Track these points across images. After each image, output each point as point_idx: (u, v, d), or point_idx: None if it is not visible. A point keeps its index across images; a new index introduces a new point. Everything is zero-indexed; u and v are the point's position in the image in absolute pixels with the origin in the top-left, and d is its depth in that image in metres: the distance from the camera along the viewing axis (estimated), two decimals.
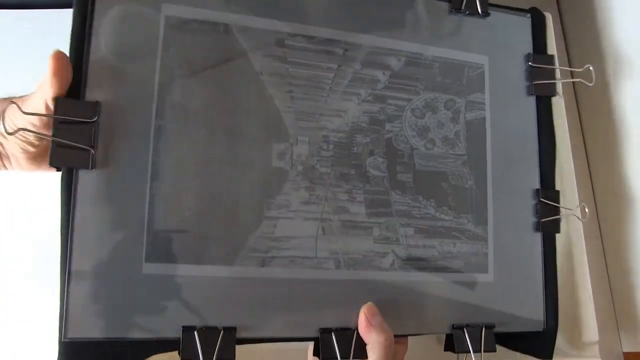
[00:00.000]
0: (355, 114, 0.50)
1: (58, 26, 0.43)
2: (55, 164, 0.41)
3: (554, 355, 0.51)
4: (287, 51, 0.48)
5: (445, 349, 0.50)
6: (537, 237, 0.53)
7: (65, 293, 0.41)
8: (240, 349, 0.44)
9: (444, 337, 0.51)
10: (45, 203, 0.52)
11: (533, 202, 0.54)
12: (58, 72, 0.41)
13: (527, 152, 0.55)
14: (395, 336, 0.47)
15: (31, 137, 0.44)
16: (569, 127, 0.56)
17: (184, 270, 0.43)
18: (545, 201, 0.53)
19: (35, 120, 0.42)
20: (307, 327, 0.46)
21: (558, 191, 0.54)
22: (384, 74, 0.51)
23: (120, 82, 0.44)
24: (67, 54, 0.42)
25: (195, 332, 0.42)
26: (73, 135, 0.42)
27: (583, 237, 0.55)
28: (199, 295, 0.44)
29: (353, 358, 0.45)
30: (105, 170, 0.43)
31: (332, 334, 0.45)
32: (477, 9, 0.54)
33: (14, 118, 0.42)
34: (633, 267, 0.61)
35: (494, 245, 0.52)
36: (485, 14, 0.55)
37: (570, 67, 0.56)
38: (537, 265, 0.53)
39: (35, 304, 0.52)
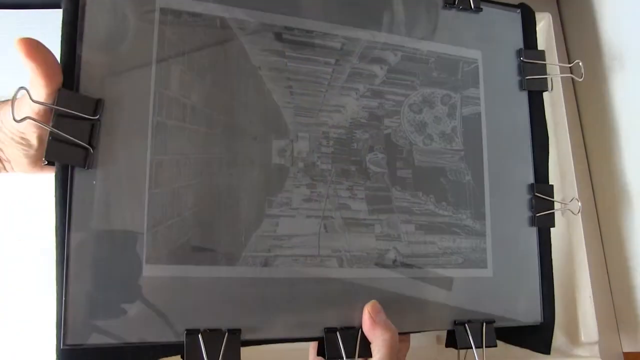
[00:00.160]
0: (354, 109, 0.49)
1: (57, 26, 0.41)
2: (50, 158, 0.39)
3: (554, 355, 0.52)
4: (285, 45, 0.47)
5: (447, 345, 0.50)
6: (533, 232, 0.54)
7: (63, 298, 0.39)
8: (243, 351, 0.43)
9: (443, 335, 0.50)
10: (45, 203, 0.49)
11: (528, 196, 0.54)
12: (46, 75, 0.39)
13: (521, 147, 0.55)
14: (400, 334, 0.47)
15: (31, 139, 0.42)
16: (568, 124, 0.57)
17: (185, 272, 0.42)
18: (540, 195, 0.54)
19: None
20: (311, 327, 0.45)
21: (552, 185, 0.55)
22: (381, 68, 0.50)
23: (115, 77, 0.42)
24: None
25: (199, 335, 0.41)
26: (71, 130, 0.40)
27: (583, 237, 0.55)
28: (202, 297, 0.42)
29: (358, 357, 0.45)
30: (102, 171, 0.41)
31: (337, 333, 0.45)
32: (469, 4, 0.54)
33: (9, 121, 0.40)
34: (633, 267, 0.62)
35: (492, 240, 0.52)
36: (478, 9, 0.55)
37: (566, 63, 0.56)
38: (533, 259, 0.53)
39: (36, 304, 0.52)
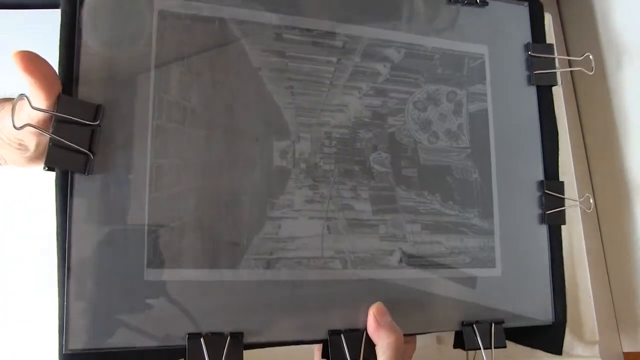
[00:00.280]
0: (357, 108, 0.48)
1: (57, 26, 0.41)
2: (50, 164, 0.39)
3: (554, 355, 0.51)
4: (285, 45, 0.47)
5: (455, 346, 0.49)
6: (543, 229, 0.53)
7: (65, 303, 0.39)
8: (245, 353, 0.43)
9: (443, 335, 0.50)
10: (45, 203, 0.50)
11: (538, 194, 0.53)
12: (45, 87, 0.38)
13: (530, 143, 0.54)
14: (405, 335, 0.46)
15: (29, 145, 0.42)
16: (567, 120, 0.56)
17: (186, 276, 0.42)
18: (550, 193, 0.53)
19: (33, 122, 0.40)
20: (315, 330, 0.44)
21: (562, 182, 0.54)
22: (384, 66, 0.50)
23: (114, 81, 0.42)
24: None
25: (202, 339, 0.41)
26: (71, 136, 0.40)
27: (583, 237, 0.54)
28: (204, 301, 0.42)
29: (363, 359, 0.44)
30: (102, 176, 0.41)
31: (342, 335, 0.44)
32: None
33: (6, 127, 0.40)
34: (633, 266, 0.61)
35: (500, 238, 0.51)
36: (484, 3, 0.54)
37: (569, 57, 0.55)
38: (543, 257, 0.52)
39: (36, 304, 0.52)
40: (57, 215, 0.40)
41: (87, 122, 0.40)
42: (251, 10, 0.46)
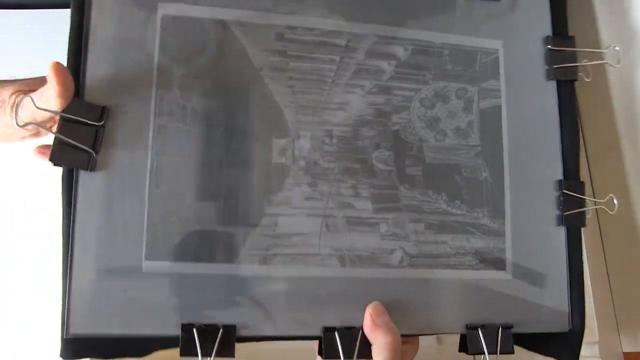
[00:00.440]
0: (360, 106, 0.48)
1: (57, 26, 0.43)
2: (55, 161, 0.42)
3: None
4: (286, 45, 0.48)
5: (460, 350, 0.48)
6: (561, 232, 0.50)
7: (67, 291, 0.42)
8: (246, 349, 0.44)
9: (443, 336, 0.48)
10: (45, 203, 0.53)
11: (556, 194, 0.50)
12: (63, 93, 0.41)
13: (548, 140, 0.51)
14: (405, 336, 0.46)
15: (26, 135, 0.45)
16: None
17: (183, 268, 0.43)
18: (569, 193, 0.50)
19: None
20: (310, 326, 0.45)
21: (583, 182, 0.51)
22: (389, 64, 0.49)
23: (119, 83, 0.44)
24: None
25: (194, 330, 0.42)
26: (77, 136, 0.42)
27: (583, 237, 0.51)
28: (199, 293, 0.43)
29: (357, 358, 0.44)
30: (105, 172, 0.43)
31: (336, 332, 0.44)
32: None
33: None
34: (633, 266, 0.58)
35: (512, 240, 0.49)
36: None
37: (591, 49, 0.52)
38: (561, 261, 0.50)
39: (36, 304, 0.53)
40: (63, 207, 0.42)
41: (92, 123, 0.43)
42: (253, 11, 0.47)
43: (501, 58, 0.51)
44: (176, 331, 0.42)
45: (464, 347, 0.47)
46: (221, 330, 0.43)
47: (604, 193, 0.50)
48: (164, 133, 0.44)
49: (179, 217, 0.44)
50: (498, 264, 0.49)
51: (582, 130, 0.64)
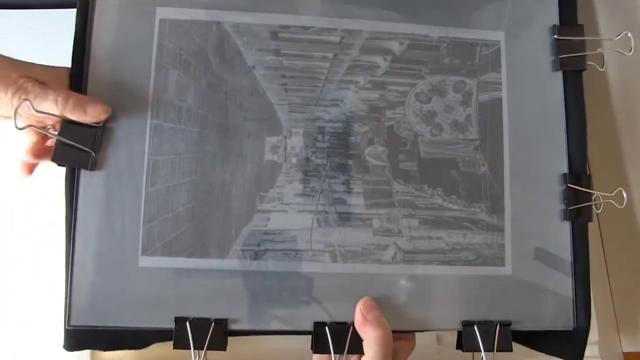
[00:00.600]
0: (353, 102, 0.48)
1: (58, 26, 0.45)
2: (57, 161, 0.45)
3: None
4: (280, 44, 0.48)
5: (457, 347, 0.47)
6: (566, 227, 0.48)
7: (69, 284, 0.44)
8: (246, 350, 0.45)
9: (443, 335, 0.48)
10: (45, 203, 0.54)
11: (560, 188, 0.49)
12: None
13: (553, 133, 0.49)
14: (398, 331, 0.46)
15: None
16: None
17: (177, 263, 0.45)
18: (574, 187, 0.48)
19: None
20: (301, 321, 0.45)
21: (589, 176, 0.49)
22: (384, 59, 0.49)
23: (118, 85, 0.46)
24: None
25: (187, 323, 0.44)
26: (77, 137, 0.45)
27: None
28: (192, 288, 0.45)
29: (348, 353, 0.44)
30: (105, 171, 0.45)
31: (327, 328, 0.45)
32: None
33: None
34: (633, 266, 0.56)
35: (512, 235, 0.48)
36: None
37: (599, 37, 0.50)
38: (565, 257, 0.48)
39: (35, 303, 0.53)
40: (65, 204, 0.45)
41: (93, 125, 0.45)
42: (247, 12, 0.48)
43: (503, 50, 0.50)
44: (171, 324, 0.44)
45: (460, 344, 0.47)
46: (213, 324, 0.44)
47: (603, 191, 0.48)
48: (160, 133, 0.46)
49: (173, 214, 0.45)
50: (497, 259, 0.47)
51: None
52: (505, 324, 0.46)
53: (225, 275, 0.45)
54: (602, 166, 0.60)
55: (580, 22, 0.51)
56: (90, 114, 0.44)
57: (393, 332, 0.43)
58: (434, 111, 0.49)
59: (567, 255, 0.48)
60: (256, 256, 0.46)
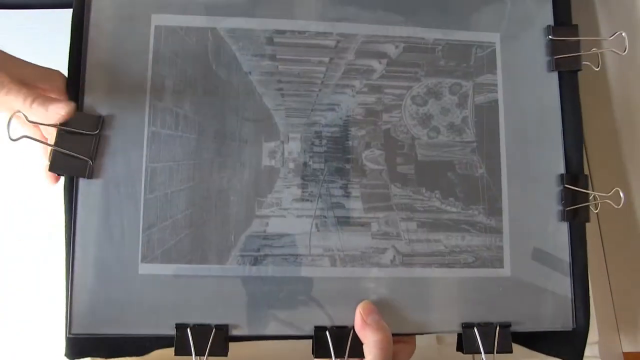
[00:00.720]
0: (350, 106, 0.49)
1: (58, 26, 0.44)
2: (54, 171, 0.45)
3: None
4: (276, 49, 0.48)
5: (458, 349, 0.47)
6: (563, 227, 0.49)
7: (70, 292, 0.44)
8: (246, 352, 0.45)
9: (443, 335, 0.48)
10: (45, 203, 0.54)
11: (558, 188, 0.49)
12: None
13: (549, 134, 0.50)
14: (398, 335, 0.46)
15: None
16: None
17: (177, 270, 0.45)
18: (571, 187, 0.48)
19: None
20: (301, 325, 0.45)
21: (587, 176, 0.49)
22: (380, 62, 0.49)
23: (115, 92, 0.46)
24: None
25: (188, 330, 0.44)
26: (74, 146, 0.45)
27: None
28: (192, 294, 0.45)
29: (349, 357, 0.44)
30: (103, 179, 0.45)
31: (327, 332, 0.45)
32: None
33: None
34: (633, 266, 0.56)
35: (510, 237, 0.48)
36: None
37: (595, 37, 0.50)
38: (563, 257, 0.48)
39: (36, 304, 0.54)
40: (65, 213, 0.45)
41: (88, 132, 0.45)
42: (242, 18, 0.48)
43: (498, 51, 0.50)
44: (171, 331, 0.44)
45: (460, 346, 0.47)
46: (214, 330, 0.44)
47: (603, 191, 0.48)
48: (157, 140, 0.46)
49: (172, 221, 0.45)
50: (495, 261, 0.48)
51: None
52: (505, 326, 0.46)
53: (224, 281, 0.45)
54: (602, 166, 0.61)
55: (577, 22, 0.51)
56: (51, 111, 0.43)
57: (393, 335, 0.44)
58: (431, 114, 0.49)
59: (565, 255, 0.48)
60: (255, 261, 0.46)
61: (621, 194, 0.48)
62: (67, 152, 0.44)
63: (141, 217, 0.45)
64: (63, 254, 0.45)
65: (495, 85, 0.50)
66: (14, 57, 0.44)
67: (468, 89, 0.50)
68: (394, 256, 0.47)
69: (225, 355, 0.44)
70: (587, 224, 0.49)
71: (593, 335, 0.49)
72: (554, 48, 0.50)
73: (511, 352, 0.46)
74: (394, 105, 0.49)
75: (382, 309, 0.45)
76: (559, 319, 0.47)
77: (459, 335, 0.47)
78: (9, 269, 0.55)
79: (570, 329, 0.47)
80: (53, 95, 0.45)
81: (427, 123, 0.49)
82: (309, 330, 0.45)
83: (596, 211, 0.49)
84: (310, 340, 0.45)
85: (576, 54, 0.50)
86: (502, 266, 0.48)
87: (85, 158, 0.45)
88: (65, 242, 0.45)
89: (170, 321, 0.44)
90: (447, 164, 0.49)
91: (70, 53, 0.46)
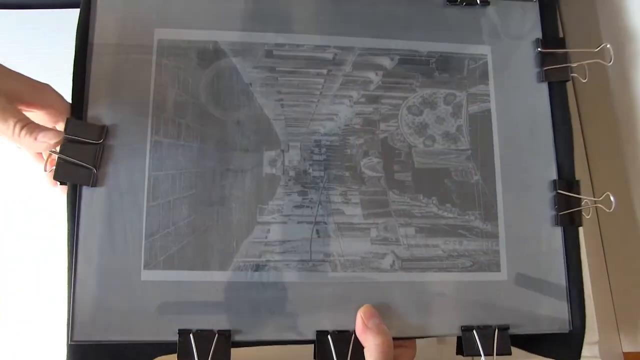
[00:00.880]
0: (348, 116, 0.50)
1: (58, 26, 0.45)
2: (59, 179, 0.45)
3: None
4: (275, 61, 0.50)
5: (458, 352, 0.48)
6: (557, 232, 0.50)
7: (72, 300, 0.44)
8: (248, 356, 0.45)
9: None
10: (45, 203, 0.54)
11: (551, 194, 0.50)
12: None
13: (541, 141, 0.51)
14: (400, 339, 0.46)
15: None
16: None
17: (180, 276, 0.46)
18: (563, 192, 0.50)
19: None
20: (303, 330, 0.46)
21: (578, 181, 0.50)
22: (376, 74, 0.51)
23: (119, 103, 0.47)
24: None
25: (191, 335, 0.44)
26: (78, 155, 0.46)
27: (583, 236, 0.51)
28: (195, 300, 0.45)
29: None
30: (106, 187, 0.46)
31: (329, 336, 0.45)
32: None
33: None
34: (633, 266, 0.57)
35: (506, 241, 0.49)
36: (485, 3, 0.53)
37: (581, 49, 0.52)
38: (558, 261, 0.49)
39: (35, 304, 0.54)
40: (67, 220, 0.46)
41: (92, 142, 0.46)
42: (243, 31, 0.50)
43: (490, 63, 0.52)
44: (174, 337, 0.44)
45: (460, 349, 0.47)
46: (216, 336, 0.44)
47: (604, 192, 0.49)
48: (160, 149, 0.47)
49: (175, 228, 0.46)
50: (492, 265, 0.49)
51: (582, 130, 0.64)
52: (503, 328, 0.47)
53: (226, 287, 0.46)
54: (603, 167, 0.62)
55: (582, 31, 0.53)
56: (40, 140, 0.43)
57: (394, 339, 0.44)
58: (426, 123, 0.51)
59: (560, 259, 0.49)
60: (257, 267, 0.46)
61: (612, 199, 0.49)
62: (72, 160, 0.45)
63: (144, 224, 0.46)
64: (63, 254, 0.45)
65: (488, 95, 0.51)
66: (5, 69, 0.44)
67: (462, 99, 0.51)
68: (393, 261, 0.48)
69: None
70: (587, 225, 0.50)
71: (593, 335, 0.50)
72: (542, 60, 0.52)
73: (510, 354, 0.46)
74: (390, 115, 0.50)
75: (382, 313, 0.46)
76: (556, 322, 0.48)
77: (458, 338, 0.48)
78: (9, 269, 0.55)
79: (567, 332, 0.48)
80: (43, 113, 0.46)
81: (423, 132, 0.50)
82: (310, 334, 0.46)
83: (588, 216, 0.50)
84: (312, 345, 0.46)
85: (564, 65, 0.52)
86: (499, 270, 0.49)
87: (89, 166, 0.45)
88: (68, 248, 0.45)
89: (173, 327, 0.45)
90: (443, 171, 0.50)
91: (75, 64, 0.48)
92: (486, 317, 0.48)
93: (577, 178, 0.51)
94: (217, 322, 0.45)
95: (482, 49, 0.52)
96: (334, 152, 0.49)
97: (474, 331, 0.47)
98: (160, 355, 0.45)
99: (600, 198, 0.50)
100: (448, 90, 0.51)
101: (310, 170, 0.49)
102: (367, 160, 0.49)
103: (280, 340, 0.46)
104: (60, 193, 0.47)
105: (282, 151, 0.49)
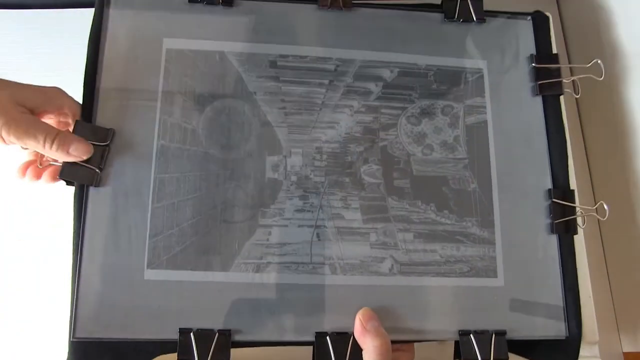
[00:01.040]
0: (349, 124, 0.52)
1: (58, 26, 0.46)
2: (64, 178, 0.47)
3: None
4: (279, 71, 0.52)
5: (455, 357, 0.48)
6: (553, 239, 0.51)
7: (75, 296, 0.45)
8: (247, 356, 0.45)
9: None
10: (45, 203, 0.55)
11: (546, 203, 0.51)
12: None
13: (536, 152, 0.53)
14: (398, 342, 0.47)
15: None
16: (568, 125, 0.54)
17: (182, 276, 0.46)
18: (558, 201, 0.51)
19: None
20: (302, 331, 0.46)
21: (573, 190, 0.52)
22: (376, 85, 0.53)
23: (127, 107, 0.49)
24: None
25: (192, 334, 0.45)
26: None
27: (583, 237, 0.52)
28: (196, 300, 0.46)
29: None
30: (112, 188, 0.47)
31: (328, 338, 0.46)
32: (471, 16, 0.55)
33: None
34: (633, 266, 0.58)
35: (502, 248, 0.50)
36: (481, 20, 0.55)
37: (574, 64, 0.54)
38: (554, 268, 0.50)
39: (35, 304, 0.54)
40: (74, 219, 0.47)
41: (99, 143, 0.47)
42: (248, 42, 0.52)
43: (486, 77, 0.54)
44: (175, 336, 0.45)
45: (458, 353, 0.48)
46: (216, 335, 0.45)
47: (604, 196, 0.50)
48: (165, 153, 0.48)
49: (178, 229, 0.47)
50: (489, 271, 0.49)
51: (582, 135, 0.65)
52: (500, 333, 0.48)
53: (228, 287, 0.47)
54: (604, 170, 0.63)
55: (564, 49, 0.55)
56: (72, 154, 0.45)
57: (392, 342, 0.45)
58: (425, 132, 0.52)
59: (555, 266, 0.50)
60: (258, 269, 0.47)
61: (605, 207, 0.50)
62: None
63: (148, 225, 0.47)
64: (63, 254, 0.46)
65: (484, 107, 0.53)
66: (17, 83, 0.45)
67: (459, 110, 0.53)
68: (392, 265, 0.49)
69: None
70: (588, 226, 0.51)
71: (593, 335, 0.50)
72: (537, 74, 0.54)
73: (507, 359, 0.47)
74: (390, 124, 0.52)
75: (381, 316, 0.47)
76: (552, 328, 0.49)
77: (456, 342, 0.48)
78: (9, 269, 0.55)
79: (563, 337, 0.49)
80: (56, 115, 0.47)
81: (421, 141, 0.52)
82: (309, 336, 0.46)
83: (583, 226, 0.51)
84: (311, 346, 0.46)
85: (557, 79, 0.54)
86: (495, 276, 0.49)
87: (93, 167, 0.47)
88: (73, 246, 0.46)
89: (174, 326, 0.45)
90: (441, 179, 0.51)
91: (86, 69, 0.49)
92: (483, 322, 0.48)
93: (571, 187, 0.52)
94: (217, 321, 0.46)
95: (479, 63, 0.54)
96: (334, 159, 0.51)
97: (471, 335, 0.47)
98: (160, 354, 0.46)
99: (594, 207, 0.51)
100: (446, 102, 0.53)
101: (312, 176, 0.50)
102: (367, 167, 0.51)
103: (279, 341, 0.46)
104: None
105: (285, 157, 0.50)
